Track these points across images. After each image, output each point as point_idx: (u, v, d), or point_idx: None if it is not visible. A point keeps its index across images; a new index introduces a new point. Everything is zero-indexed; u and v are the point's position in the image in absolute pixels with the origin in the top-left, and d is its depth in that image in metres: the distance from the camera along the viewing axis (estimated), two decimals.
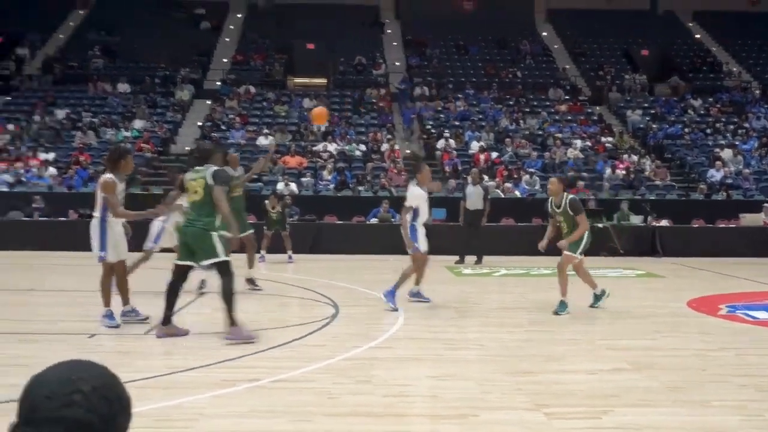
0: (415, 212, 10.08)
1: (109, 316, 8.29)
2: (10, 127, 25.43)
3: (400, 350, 7.31)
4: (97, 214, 8.25)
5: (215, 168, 7.73)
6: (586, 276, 10.08)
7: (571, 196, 9.80)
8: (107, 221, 8.22)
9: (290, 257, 16.33)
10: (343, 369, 6.47)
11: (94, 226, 8.24)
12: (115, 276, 8.46)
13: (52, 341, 7.63)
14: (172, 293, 7.69)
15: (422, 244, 10.09)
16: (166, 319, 7.71)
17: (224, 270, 7.52)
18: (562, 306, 9.70)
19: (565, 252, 9.72)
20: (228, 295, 7.48)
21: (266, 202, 16.56)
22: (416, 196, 10.07)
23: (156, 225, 11.08)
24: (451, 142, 24.72)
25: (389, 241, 18.03)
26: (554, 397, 5.66)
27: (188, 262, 7.64)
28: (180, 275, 7.70)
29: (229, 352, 7.13)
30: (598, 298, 10.16)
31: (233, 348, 7.29)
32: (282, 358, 6.92)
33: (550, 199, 9.91)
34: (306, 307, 10.25)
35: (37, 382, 1.48)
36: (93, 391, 1.46)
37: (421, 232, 10.12)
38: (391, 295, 9.88)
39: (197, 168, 7.75)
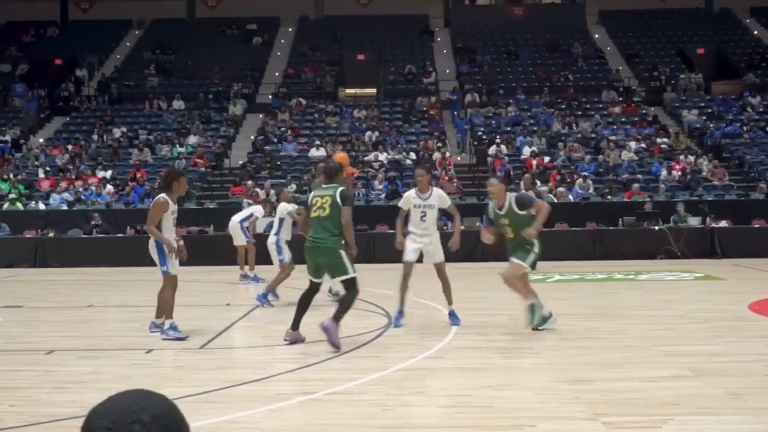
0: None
1: (174, 328, 8.43)
2: (70, 147, 26.06)
3: (453, 360, 7.27)
4: None
5: (343, 188, 8.03)
6: (524, 289, 8.79)
7: (515, 193, 8.75)
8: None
9: None
10: (397, 380, 6.45)
11: (152, 242, 8.44)
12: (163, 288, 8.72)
13: (111, 357, 7.77)
14: (304, 303, 8.06)
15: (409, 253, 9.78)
16: (295, 325, 8.04)
17: (351, 285, 7.91)
18: (535, 314, 8.68)
19: (513, 260, 8.62)
20: (346, 306, 7.85)
21: None
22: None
23: (272, 240, 11.30)
24: (503, 148, 24.56)
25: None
26: (612, 406, 5.56)
27: (319, 280, 8.08)
28: (313, 289, 8.09)
29: (284, 365, 7.17)
30: (544, 319, 8.72)
31: (287, 361, 7.33)
32: (336, 369, 6.93)
33: (490, 205, 8.79)
34: (359, 318, 10.24)
35: (97, 413, 1.48)
36: (153, 420, 1.46)
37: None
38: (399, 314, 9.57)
39: (325, 186, 8.05)
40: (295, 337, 8.05)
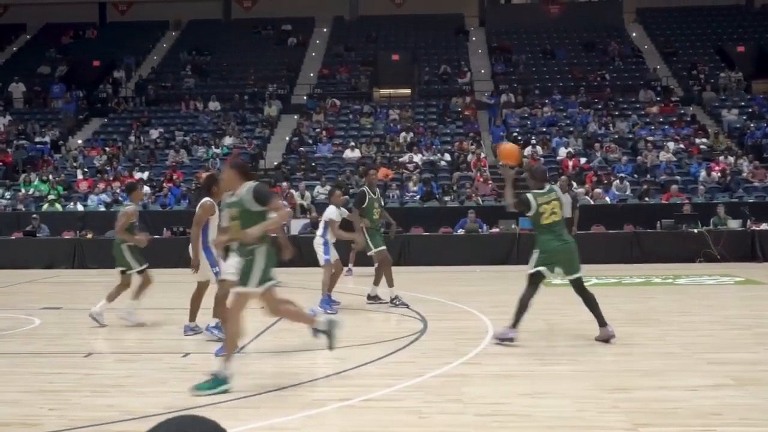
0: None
1: (218, 327, 8.49)
2: (107, 148, 26.36)
3: (490, 366, 7.20)
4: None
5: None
6: (284, 310, 7.04)
7: (254, 183, 6.62)
8: (207, 244, 8.55)
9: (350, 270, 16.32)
10: (434, 387, 6.41)
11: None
12: (196, 292, 8.80)
13: (148, 360, 7.82)
14: (525, 303, 8.25)
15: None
16: (516, 323, 8.21)
17: (581, 282, 8.33)
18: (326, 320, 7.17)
19: (236, 289, 6.67)
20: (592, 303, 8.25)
21: None
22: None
23: (318, 241, 11.29)
24: (538, 148, 24.38)
25: (477, 252, 17.96)
26: (653, 416, 5.46)
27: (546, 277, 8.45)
28: (536, 287, 8.31)
29: (320, 370, 7.16)
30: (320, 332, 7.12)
31: (324, 366, 7.32)
32: (372, 375, 6.90)
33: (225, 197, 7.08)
34: (394, 322, 10.22)
35: None
36: None
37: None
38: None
39: (544, 190, 8.39)
40: (505, 334, 8.21)
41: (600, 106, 28.54)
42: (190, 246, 8.69)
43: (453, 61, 33.51)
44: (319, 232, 11.39)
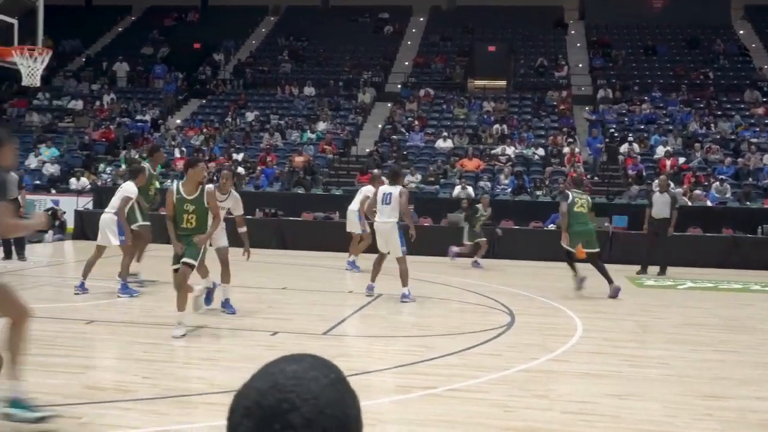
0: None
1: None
2: (204, 129, 26.97)
3: (578, 364, 7.07)
4: None
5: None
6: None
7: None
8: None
9: (477, 262, 16.27)
10: (520, 381, 6.33)
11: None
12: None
13: (238, 337, 7.97)
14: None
15: None
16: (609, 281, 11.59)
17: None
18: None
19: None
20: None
21: (478, 205, 16.54)
22: None
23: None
24: (635, 146, 23.77)
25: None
26: (749, 426, 5.27)
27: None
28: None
29: (404, 357, 7.17)
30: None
31: (408, 353, 7.33)
32: (457, 366, 6.86)
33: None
34: (481, 314, 10.14)
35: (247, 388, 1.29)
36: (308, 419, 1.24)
37: None
38: None
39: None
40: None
41: (702, 105, 27.61)
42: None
43: (550, 54, 32.97)
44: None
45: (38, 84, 15.30)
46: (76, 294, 10.24)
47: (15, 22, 13.89)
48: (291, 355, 1.35)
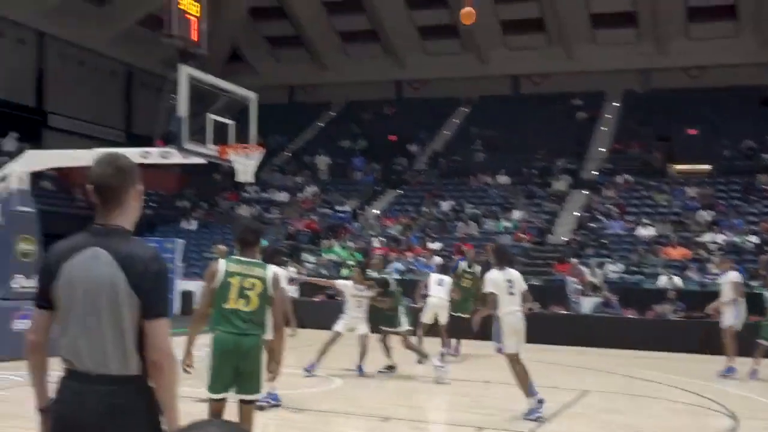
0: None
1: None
2: (402, 219, 27.59)
3: None
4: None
5: None
6: None
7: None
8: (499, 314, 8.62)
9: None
10: None
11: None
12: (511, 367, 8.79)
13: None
14: None
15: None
16: None
17: None
18: None
19: None
20: None
21: None
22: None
23: None
24: None
25: None
26: None
27: None
28: None
29: None
30: None
31: None
32: None
33: None
34: (698, 416, 9.44)
35: None
36: None
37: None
38: None
39: None
40: None
41: None
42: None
43: (758, 135, 31.24)
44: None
45: (252, 180, 16.19)
46: None
47: (232, 123, 14.87)
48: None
